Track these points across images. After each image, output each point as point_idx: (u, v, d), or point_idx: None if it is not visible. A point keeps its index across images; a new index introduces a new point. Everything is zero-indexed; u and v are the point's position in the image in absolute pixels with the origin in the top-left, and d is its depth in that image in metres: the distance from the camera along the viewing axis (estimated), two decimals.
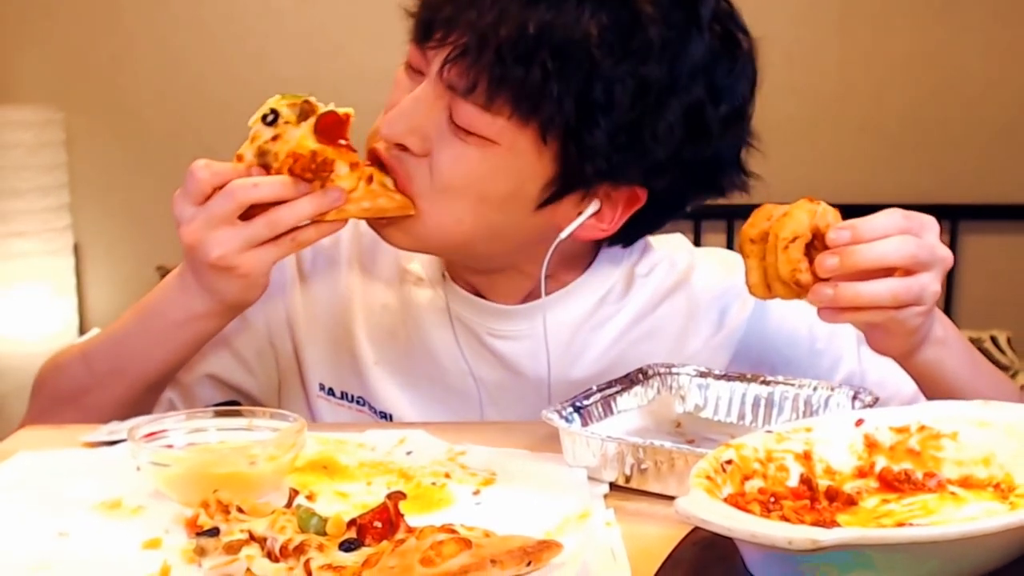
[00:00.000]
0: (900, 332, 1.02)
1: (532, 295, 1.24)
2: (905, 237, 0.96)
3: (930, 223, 1.00)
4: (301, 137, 1.07)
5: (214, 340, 1.27)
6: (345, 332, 1.30)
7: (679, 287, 1.28)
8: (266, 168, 1.07)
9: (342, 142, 1.08)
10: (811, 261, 0.96)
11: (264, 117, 1.08)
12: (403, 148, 1.10)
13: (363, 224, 1.31)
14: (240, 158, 1.08)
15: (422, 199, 1.11)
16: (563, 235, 1.14)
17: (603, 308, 1.25)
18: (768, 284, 0.98)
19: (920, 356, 1.07)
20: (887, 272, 0.96)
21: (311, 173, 1.06)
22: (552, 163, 1.08)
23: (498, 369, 1.25)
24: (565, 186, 1.10)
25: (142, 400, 1.23)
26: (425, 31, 1.09)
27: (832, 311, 0.97)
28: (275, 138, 1.07)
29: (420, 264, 1.29)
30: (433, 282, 1.27)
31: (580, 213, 1.13)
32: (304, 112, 1.08)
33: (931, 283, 0.98)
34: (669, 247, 1.31)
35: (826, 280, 0.95)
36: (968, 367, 1.11)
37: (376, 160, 1.13)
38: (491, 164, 1.09)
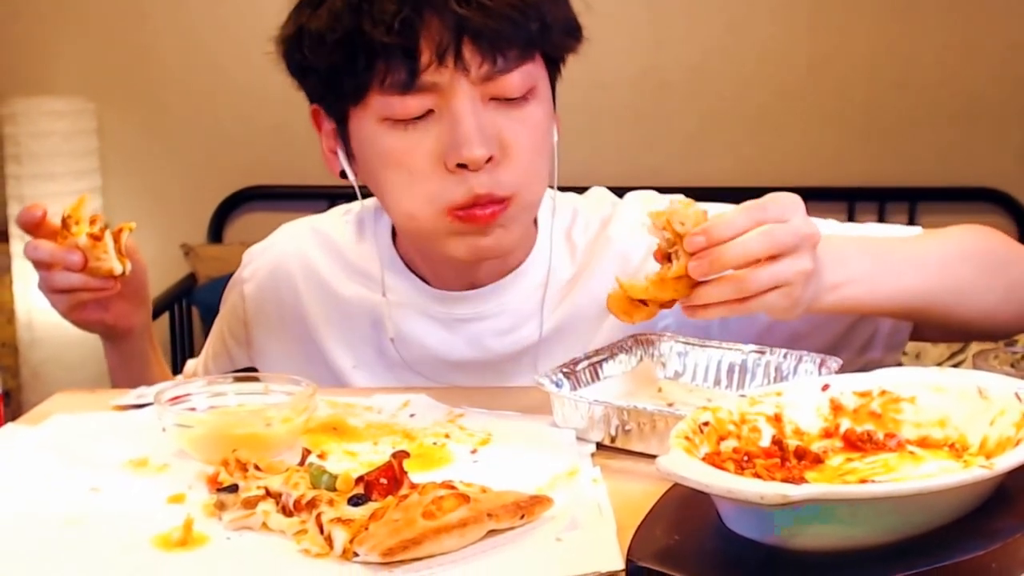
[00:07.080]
0: (777, 310, 0.94)
1: (510, 263, 1.22)
2: (762, 230, 0.88)
3: (792, 204, 0.90)
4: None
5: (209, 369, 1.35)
6: (317, 349, 1.27)
7: (609, 240, 1.23)
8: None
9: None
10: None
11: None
12: (489, 160, 1.06)
13: (306, 247, 1.30)
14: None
15: (523, 188, 1.09)
16: (556, 134, 1.16)
17: (551, 276, 1.23)
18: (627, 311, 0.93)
19: (824, 307, 1.00)
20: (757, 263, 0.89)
21: (66, 229, 1.13)
22: (546, 73, 1.12)
23: (469, 350, 1.23)
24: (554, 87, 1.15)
25: None
26: (438, 63, 1.04)
27: (697, 309, 0.91)
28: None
29: (378, 267, 1.25)
30: (395, 282, 1.24)
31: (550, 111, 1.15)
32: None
33: (792, 264, 0.90)
34: (594, 202, 1.28)
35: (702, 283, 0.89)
36: (893, 278, 1.03)
37: (480, 218, 1.08)
38: (544, 112, 1.11)
